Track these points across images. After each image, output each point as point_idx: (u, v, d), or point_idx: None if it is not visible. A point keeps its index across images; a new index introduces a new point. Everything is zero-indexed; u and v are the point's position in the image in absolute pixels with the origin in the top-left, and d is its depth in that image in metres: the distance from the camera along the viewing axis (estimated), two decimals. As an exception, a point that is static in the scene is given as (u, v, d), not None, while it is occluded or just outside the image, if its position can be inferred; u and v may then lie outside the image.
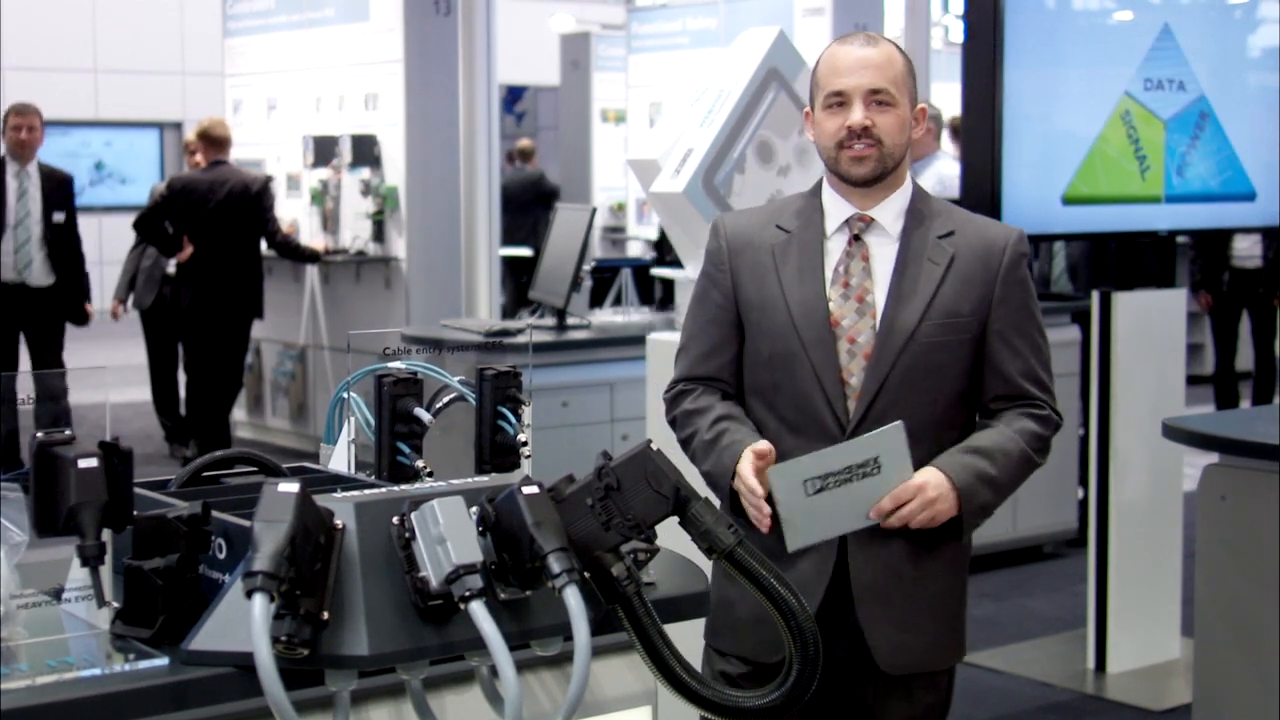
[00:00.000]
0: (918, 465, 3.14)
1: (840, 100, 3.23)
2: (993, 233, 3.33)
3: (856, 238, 3.29)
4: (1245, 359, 11.59)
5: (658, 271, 9.62)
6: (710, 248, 3.42)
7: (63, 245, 9.98)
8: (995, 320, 3.27)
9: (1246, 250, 10.98)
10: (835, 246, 3.31)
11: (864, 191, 3.28)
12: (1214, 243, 10.90)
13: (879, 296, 3.25)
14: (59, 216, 9.94)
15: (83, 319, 10.26)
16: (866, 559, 3.24)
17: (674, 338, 5.63)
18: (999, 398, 3.30)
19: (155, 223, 9.88)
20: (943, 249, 3.26)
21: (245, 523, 2.25)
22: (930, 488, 3.12)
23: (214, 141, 10.04)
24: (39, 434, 2.33)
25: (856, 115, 3.21)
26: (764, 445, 3.16)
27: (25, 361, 10.16)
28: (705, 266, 3.43)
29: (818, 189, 3.38)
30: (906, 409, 3.17)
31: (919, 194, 3.35)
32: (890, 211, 3.30)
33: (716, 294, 3.38)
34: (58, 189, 10.02)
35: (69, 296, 10.05)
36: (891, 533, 3.18)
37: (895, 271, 3.25)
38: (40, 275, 9.92)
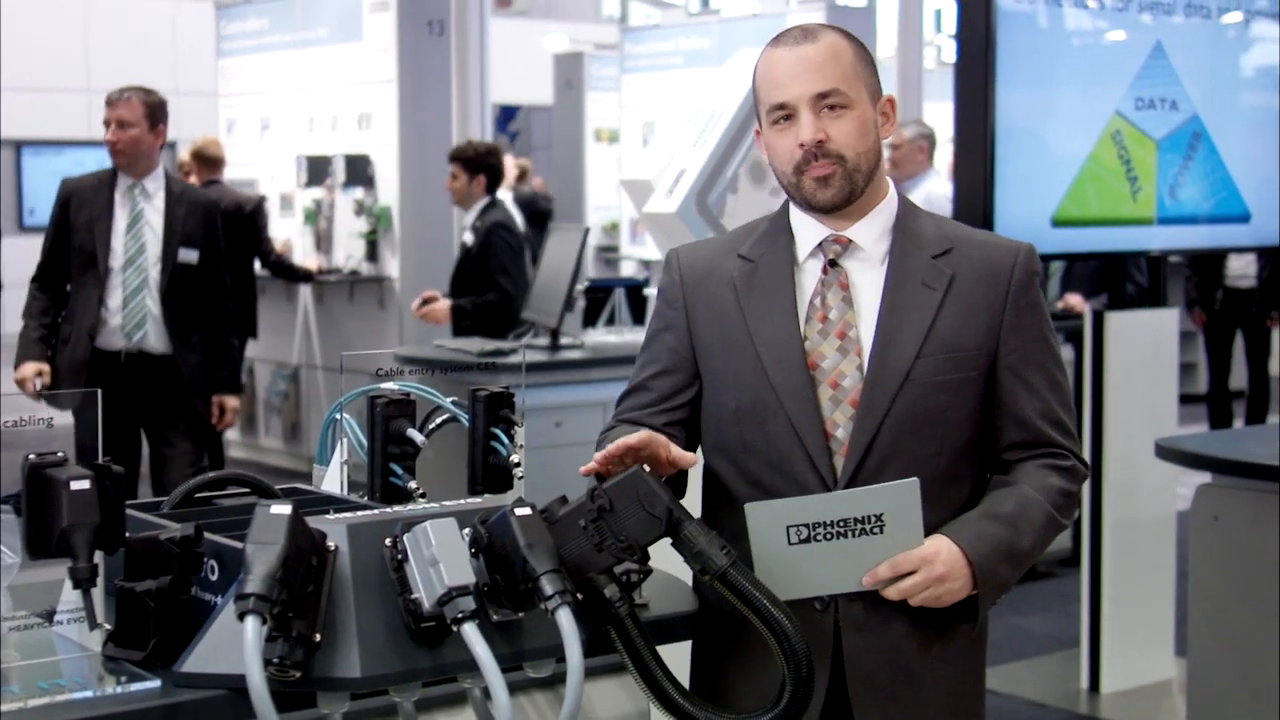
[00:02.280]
0: (926, 531, 2.64)
1: (786, 114, 2.71)
2: (998, 248, 2.80)
3: (833, 263, 2.77)
4: (1239, 378, 11.59)
5: (651, 291, 9.62)
6: (663, 283, 2.90)
7: (187, 298, 6.65)
8: (1006, 353, 2.75)
9: (1241, 270, 10.98)
10: (809, 275, 2.79)
11: (838, 211, 2.78)
12: (1208, 261, 10.89)
13: (864, 331, 2.72)
14: (188, 255, 6.60)
15: (205, 410, 6.82)
16: (864, 646, 2.71)
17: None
18: (1015, 445, 2.78)
19: None
20: (939, 270, 2.74)
21: (238, 544, 2.25)
22: (940, 561, 2.61)
23: (208, 161, 10.04)
24: (31, 455, 2.33)
25: (806, 131, 2.69)
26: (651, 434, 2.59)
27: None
28: (658, 304, 2.91)
29: (785, 210, 2.86)
30: (905, 463, 2.67)
31: (906, 207, 2.83)
32: (872, 230, 2.78)
33: (669, 337, 2.86)
34: (192, 215, 6.67)
35: (194, 374, 6.69)
36: (893, 615, 2.69)
37: (883, 301, 2.73)
38: (158, 340, 6.60)
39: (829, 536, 2.58)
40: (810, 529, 2.57)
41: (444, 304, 8.53)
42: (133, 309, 6.53)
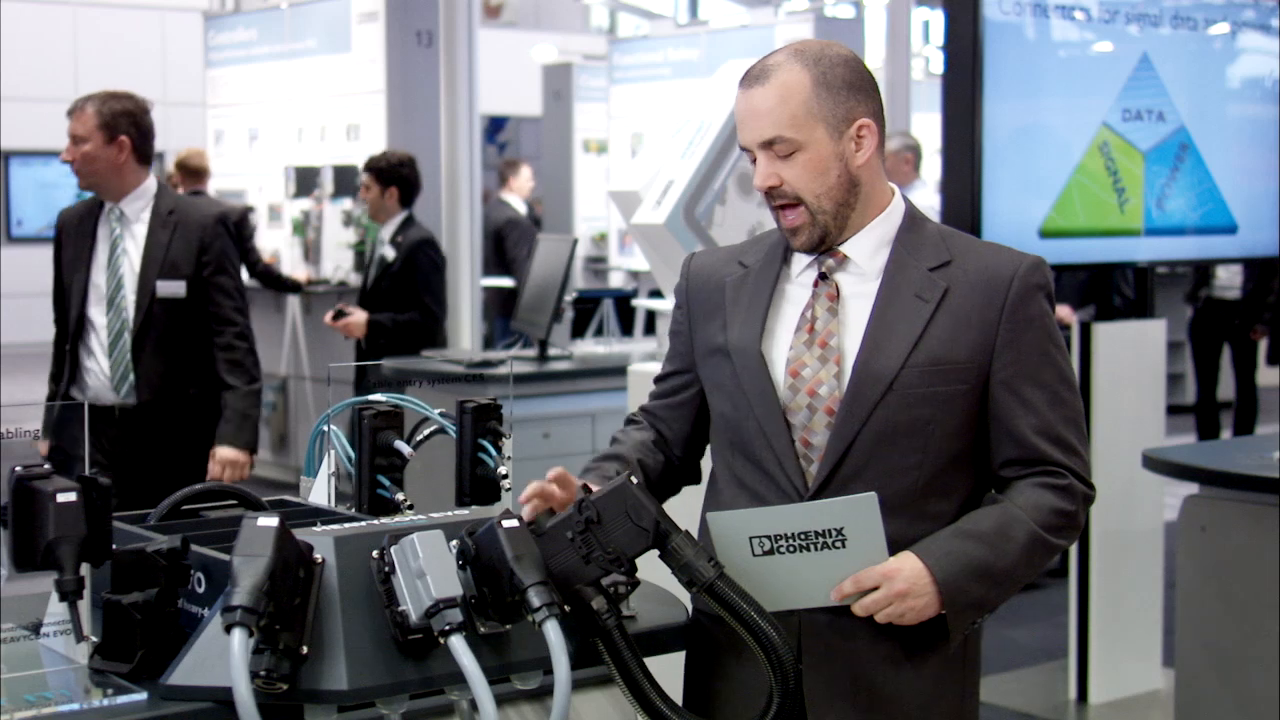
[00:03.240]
0: (903, 544, 2.61)
1: (750, 156, 2.75)
2: (999, 261, 2.74)
3: (824, 276, 2.76)
4: (1226, 388, 11.59)
5: (639, 302, 9.62)
6: (676, 286, 2.99)
7: (174, 341, 5.37)
8: (1000, 368, 2.69)
9: (1226, 280, 10.98)
10: (804, 287, 2.79)
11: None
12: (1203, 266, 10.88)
13: (846, 341, 2.70)
14: (169, 288, 5.34)
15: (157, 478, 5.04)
16: (824, 655, 2.68)
17: (656, 368, 5.64)
18: (1011, 462, 2.72)
19: None
20: (934, 282, 2.70)
21: (224, 557, 2.25)
22: (901, 578, 2.57)
23: (192, 172, 10.03)
24: (17, 468, 2.33)
25: (758, 177, 2.72)
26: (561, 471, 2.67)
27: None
28: (674, 306, 3.01)
29: None
30: (881, 474, 2.65)
31: (911, 219, 2.80)
32: (866, 244, 2.75)
33: (677, 340, 2.95)
34: (181, 239, 5.37)
35: (150, 431, 5.33)
36: (856, 628, 2.65)
37: (873, 311, 2.71)
38: (139, 390, 5.31)
39: (792, 549, 2.57)
40: (772, 541, 2.57)
41: (360, 316, 8.20)
42: (117, 357, 5.32)
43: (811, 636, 2.67)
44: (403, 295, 8.14)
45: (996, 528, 2.65)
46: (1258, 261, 9.38)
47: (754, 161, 2.74)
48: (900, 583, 2.57)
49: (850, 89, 2.71)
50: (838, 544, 2.55)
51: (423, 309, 8.14)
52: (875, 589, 2.57)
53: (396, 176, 8.20)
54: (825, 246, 2.75)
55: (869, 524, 2.55)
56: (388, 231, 8.25)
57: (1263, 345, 11.23)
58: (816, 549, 2.56)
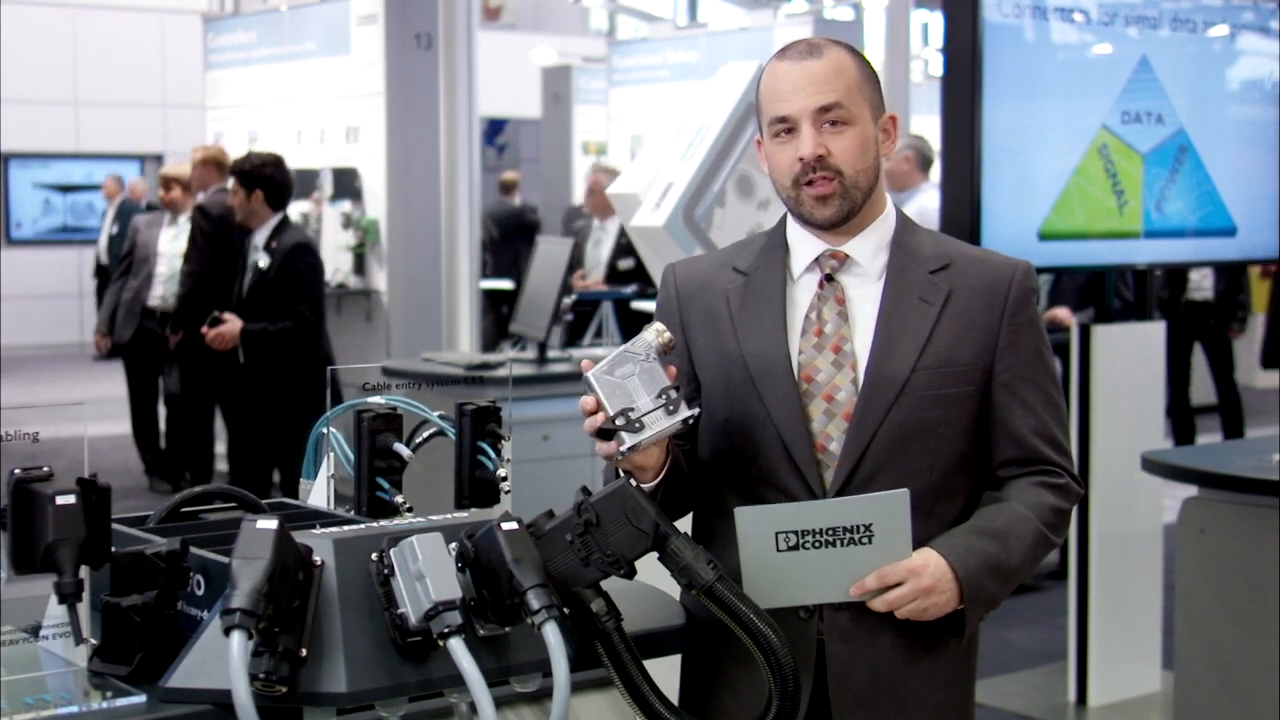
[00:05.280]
0: (915, 544, 2.63)
1: (787, 126, 2.71)
2: (995, 265, 2.80)
3: (829, 278, 2.76)
4: (1199, 393, 11.49)
5: (639, 305, 9.63)
6: (660, 299, 2.94)
7: None
8: (1001, 370, 2.74)
9: (1196, 282, 10.91)
10: (805, 290, 2.79)
11: (836, 228, 2.76)
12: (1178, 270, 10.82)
13: (858, 345, 2.72)
14: None
15: None
16: (849, 657, 2.70)
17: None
18: (1009, 462, 2.77)
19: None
20: (936, 285, 2.74)
21: (224, 559, 2.25)
22: (928, 574, 2.60)
23: (224, 169, 9.84)
24: (16, 470, 2.33)
25: (806, 145, 2.68)
26: None
27: None
28: (656, 319, 2.86)
29: (783, 224, 2.86)
30: (896, 476, 2.66)
31: (903, 223, 2.83)
32: (868, 245, 2.77)
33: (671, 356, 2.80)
34: None
35: None
36: (878, 627, 2.67)
37: (880, 314, 2.73)
38: None
39: (817, 544, 2.58)
40: (799, 536, 2.58)
41: (234, 325, 7.85)
42: None
43: (835, 640, 2.70)
44: (279, 303, 7.84)
45: (1007, 526, 2.70)
46: (1250, 263, 9.35)
47: (782, 133, 2.73)
48: (927, 578, 2.60)
49: (878, 86, 2.80)
50: (864, 540, 2.58)
51: (297, 317, 7.84)
52: (898, 584, 2.60)
53: (260, 178, 7.90)
54: (842, 225, 2.74)
55: (897, 521, 2.58)
56: (261, 237, 7.96)
57: (1238, 344, 11.16)
58: (842, 545, 2.58)
